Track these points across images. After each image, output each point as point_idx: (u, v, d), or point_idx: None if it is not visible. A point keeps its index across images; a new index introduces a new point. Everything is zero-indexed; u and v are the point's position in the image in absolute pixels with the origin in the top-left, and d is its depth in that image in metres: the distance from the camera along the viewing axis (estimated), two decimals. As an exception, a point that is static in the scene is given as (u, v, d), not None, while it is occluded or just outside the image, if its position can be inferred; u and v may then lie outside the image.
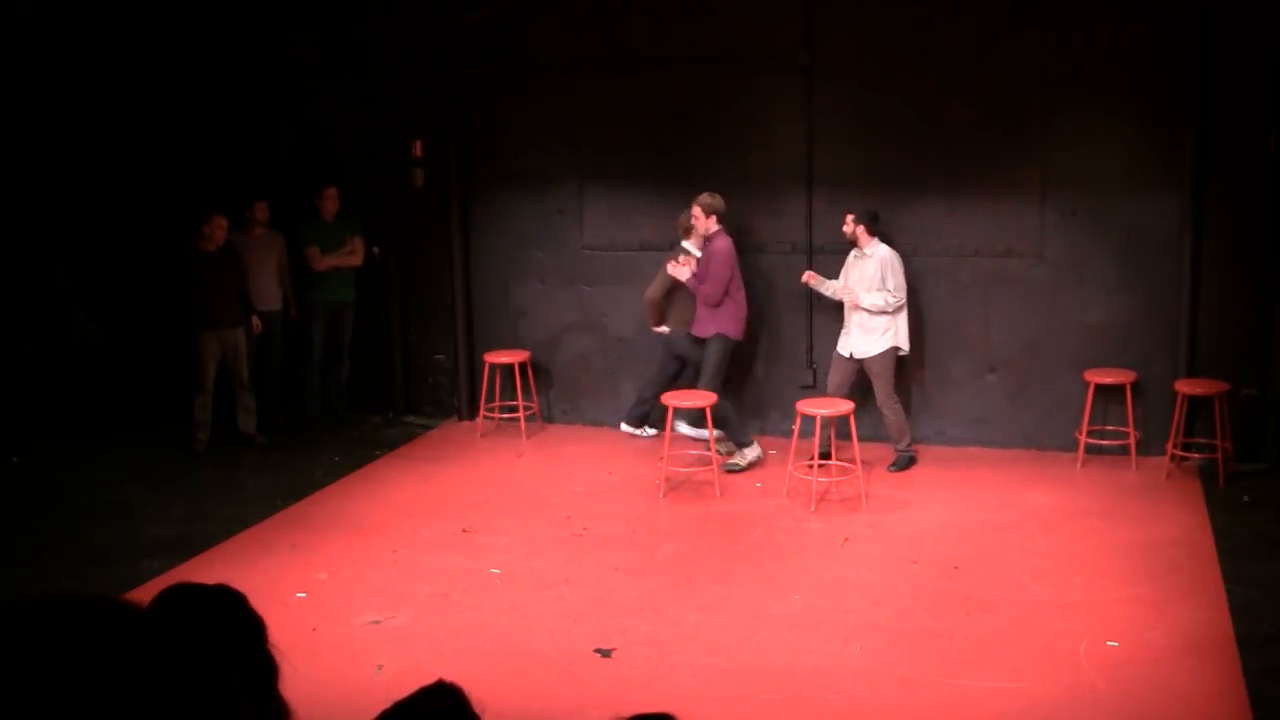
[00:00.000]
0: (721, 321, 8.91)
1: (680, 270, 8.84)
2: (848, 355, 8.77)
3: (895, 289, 8.58)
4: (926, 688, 5.65)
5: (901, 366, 8.86)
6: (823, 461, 8.40)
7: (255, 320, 9.75)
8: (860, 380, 8.83)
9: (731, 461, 8.90)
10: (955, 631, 6.21)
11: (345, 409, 10.35)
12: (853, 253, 8.79)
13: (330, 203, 10.04)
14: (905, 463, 8.81)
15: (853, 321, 8.72)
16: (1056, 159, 8.88)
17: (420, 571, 7.15)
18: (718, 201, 8.82)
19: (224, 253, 9.48)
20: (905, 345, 8.75)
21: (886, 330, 8.65)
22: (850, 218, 8.68)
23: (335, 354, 10.28)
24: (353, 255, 10.15)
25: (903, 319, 8.71)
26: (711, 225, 8.82)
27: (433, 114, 10.02)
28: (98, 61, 10.06)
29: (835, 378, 8.86)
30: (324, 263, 9.99)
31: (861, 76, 9.16)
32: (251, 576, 6.68)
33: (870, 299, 8.62)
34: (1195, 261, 8.63)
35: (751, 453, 8.94)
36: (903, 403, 8.90)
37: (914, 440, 9.02)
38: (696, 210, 8.83)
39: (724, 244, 8.82)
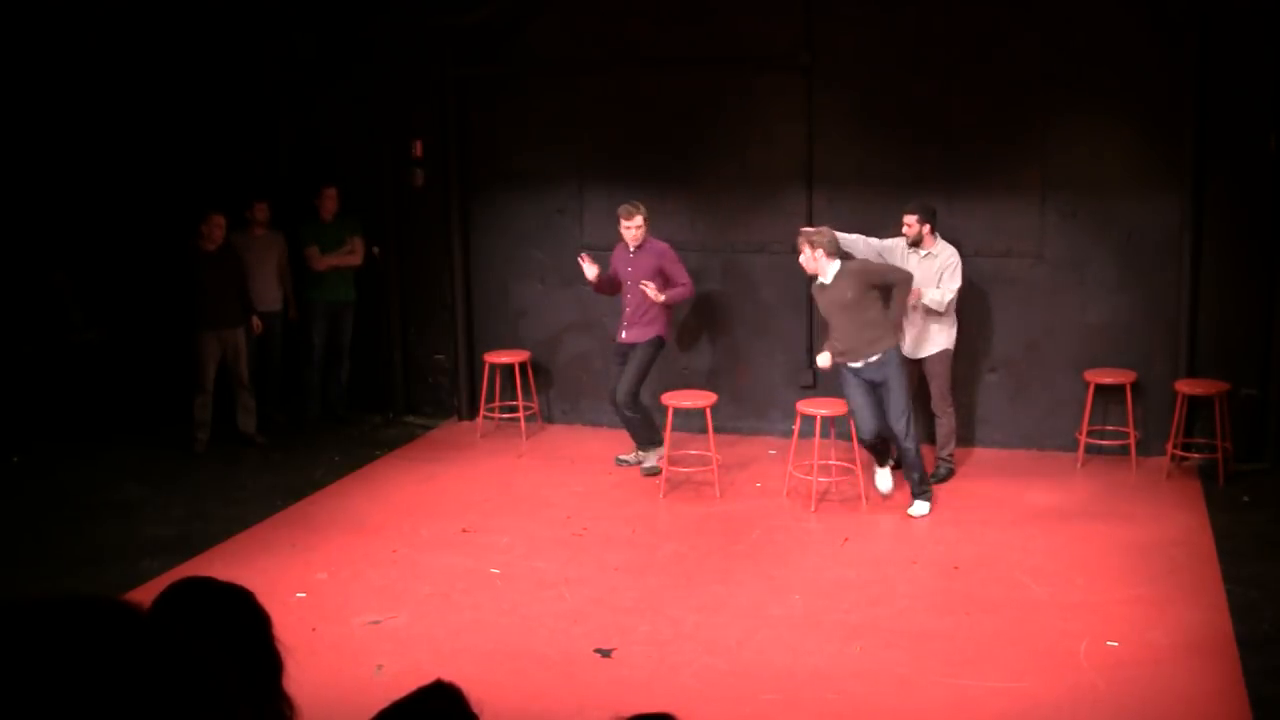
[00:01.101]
0: (662, 324, 8.86)
1: (648, 287, 8.57)
2: (913, 358, 8.53)
3: (953, 288, 8.35)
4: (927, 688, 5.65)
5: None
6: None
7: (256, 320, 9.75)
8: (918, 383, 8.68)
9: (648, 465, 8.85)
10: (955, 632, 6.21)
11: (345, 409, 10.35)
12: (912, 252, 8.45)
13: (330, 203, 10.04)
14: (946, 474, 8.60)
15: (917, 322, 8.46)
16: (1056, 159, 8.87)
17: (420, 571, 7.15)
18: (642, 209, 8.72)
19: (224, 252, 9.48)
20: (951, 345, 8.57)
21: (946, 330, 8.49)
22: (914, 218, 8.32)
23: (335, 354, 10.28)
24: (352, 255, 10.14)
25: (953, 319, 8.54)
26: (642, 235, 8.72)
27: (433, 114, 10.02)
28: (97, 61, 10.05)
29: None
30: (324, 262, 9.99)
31: (862, 76, 9.16)
32: (251, 576, 6.61)
33: (931, 295, 8.29)
34: (1195, 262, 8.62)
35: (657, 454, 8.83)
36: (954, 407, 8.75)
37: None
38: (640, 220, 8.66)
39: (662, 243, 8.82)
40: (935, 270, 8.42)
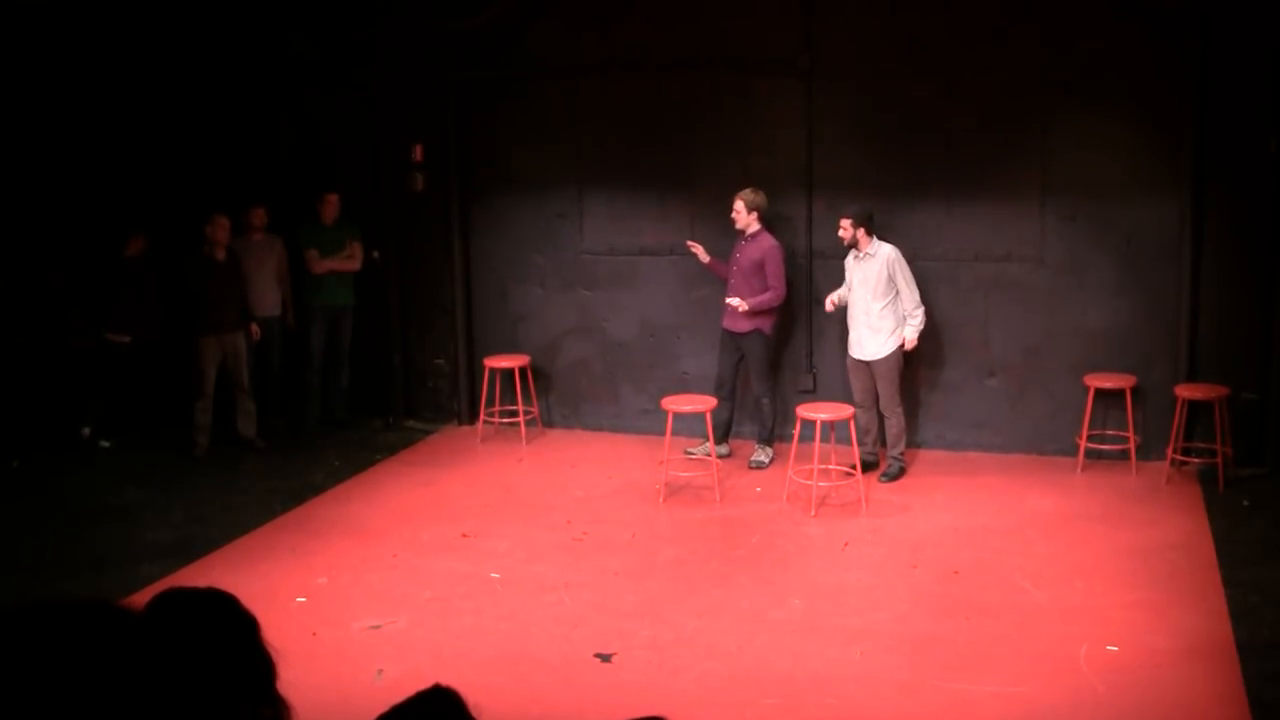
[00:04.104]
0: (761, 318, 8.96)
1: (733, 300, 8.80)
2: (861, 359, 8.71)
3: (913, 292, 8.53)
4: (927, 693, 5.64)
5: (905, 364, 8.81)
6: (863, 472, 8.39)
7: (254, 327, 9.73)
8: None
9: (757, 459, 9.10)
10: (955, 636, 6.21)
11: (345, 413, 10.33)
12: (851, 255, 8.71)
13: (331, 208, 10.04)
14: (897, 472, 8.72)
15: (860, 324, 8.67)
16: (1056, 163, 8.88)
17: (420, 576, 7.14)
18: (761, 198, 8.85)
19: (226, 257, 9.48)
20: (899, 346, 8.64)
21: (895, 330, 8.60)
22: (847, 222, 8.53)
23: (335, 358, 10.26)
24: (351, 260, 10.14)
25: (899, 321, 8.65)
26: (754, 223, 8.86)
27: (433, 118, 10.03)
28: (98, 65, 10.06)
29: (858, 384, 8.78)
30: (323, 266, 9.99)
31: (861, 80, 9.17)
32: (251, 581, 6.68)
33: (912, 333, 8.55)
34: (1195, 265, 8.63)
35: (767, 451, 9.15)
36: (904, 408, 8.85)
37: (916, 444, 9.01)
38: (739, 205, 8.83)
39: (773, 240, 8.92)
40: (876, 270, 8.55)
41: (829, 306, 8.79)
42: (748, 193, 8.85)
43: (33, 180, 9.80)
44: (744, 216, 8.84)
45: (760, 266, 8.83)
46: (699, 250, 9.16)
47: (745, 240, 8.92)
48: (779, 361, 9.39)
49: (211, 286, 9.36)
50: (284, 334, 10.22)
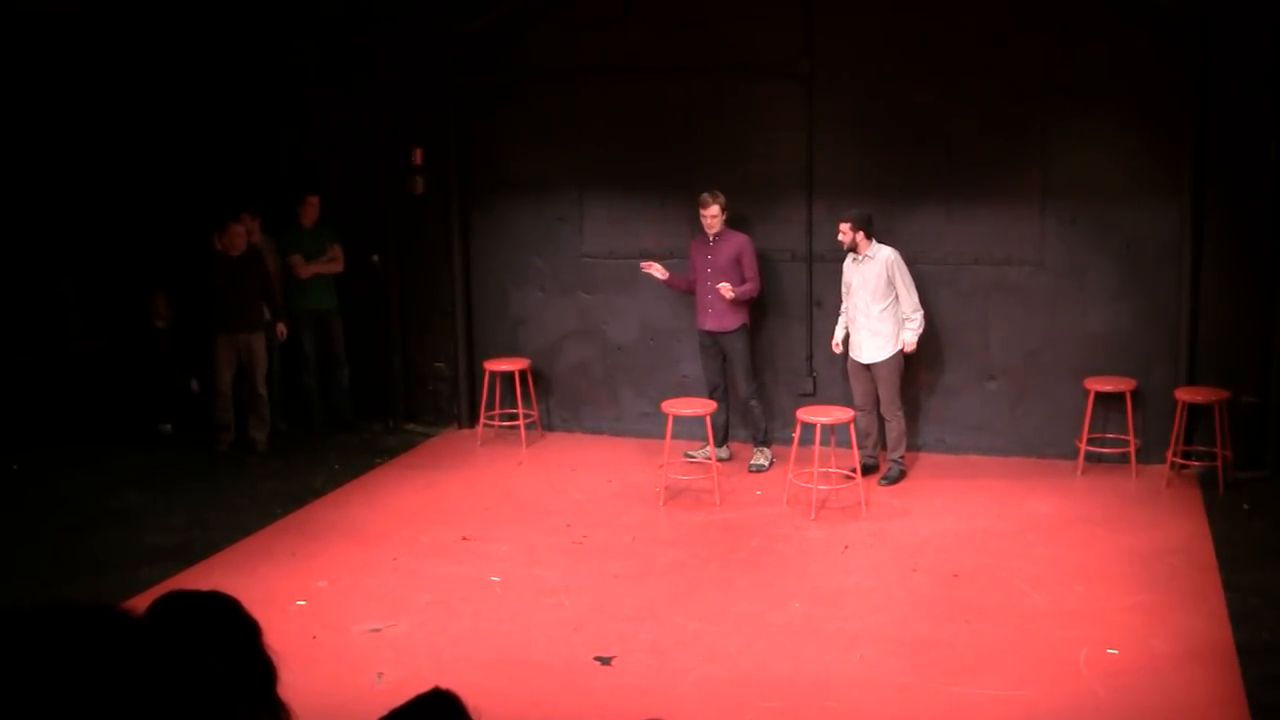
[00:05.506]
0: (743, 312, 9.03)
1: (724, 288, 8.81)
2: (862, 362, 8.71)
3: (912, 296, 8.52)
4: (927, 696, 5.64)
5: (906, 368, 8.81)
6: (863, 475, 8.41)
7: (280, 327, 9.73)
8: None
9: (757, 463, 9.11)
10: (955, 639, 6.21)
11: (351, 414, 10.30)
12: (850, 257, 8.69)
13: (311, 210, 10.03)
14: (897, 475, 8.72)
15: (861, 328, 8.66)
16: (1057, 166, 8.88)
17: (420, 579, 7.14)
18: (724, 197, 8.91)
19: (245, 256, 9.45)
20: (900, 349, 8.65)
21: (895, 334, 8.58)
22: (846, 226, 8.51)
23: (331, 361, 10.24)
24: (334, 263, 10.13)
25: (897, 324, 8.64)
26: (723, 223, 8.95)
27: (433, 122, 10.03)
28: (101, 71, 10.07)
29: (858, 387, 8.78)
30: (308, 270, 9.98)
31: (862, 84, 9.17)
32: (251, 584, 6.68)
33: (910, 336, 8.54)
34: (1195, 269, 8.63)
35: (765, 453, 9.16)
36: (904, 411, 8.84)
37: (916, 448, 9.01)
38: (715, 210, 8.84)
39: (743, 234, 9.05)
40: (875, 273, 8.56)
41: (835, 349, 8.85)
42: (710, 197, 8.84)
43: (38, 185, 9.80)
44: (720, 219, 8.88)
45: (737, 262, 8.92)
46: (657, 269, 9.09)
47: (713, 241, 8.96)
48: (761, 363, 9.37)
49: (224, 283, 9.32)
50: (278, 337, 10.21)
